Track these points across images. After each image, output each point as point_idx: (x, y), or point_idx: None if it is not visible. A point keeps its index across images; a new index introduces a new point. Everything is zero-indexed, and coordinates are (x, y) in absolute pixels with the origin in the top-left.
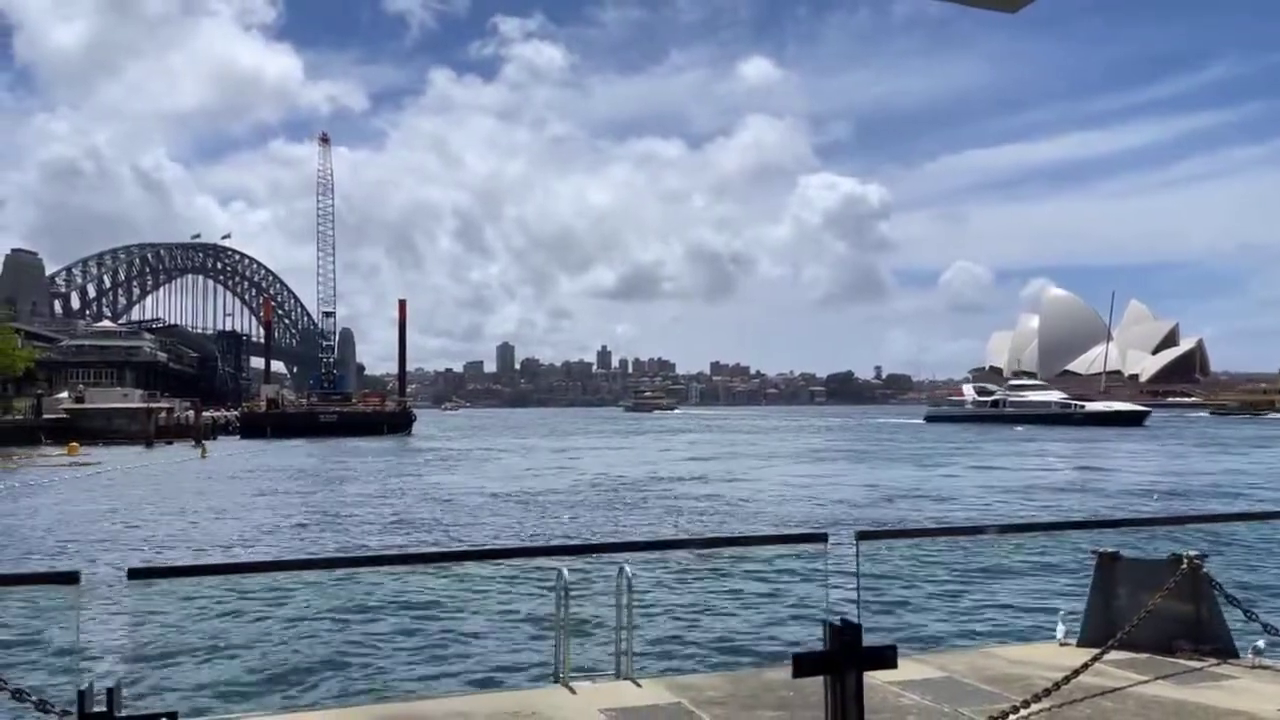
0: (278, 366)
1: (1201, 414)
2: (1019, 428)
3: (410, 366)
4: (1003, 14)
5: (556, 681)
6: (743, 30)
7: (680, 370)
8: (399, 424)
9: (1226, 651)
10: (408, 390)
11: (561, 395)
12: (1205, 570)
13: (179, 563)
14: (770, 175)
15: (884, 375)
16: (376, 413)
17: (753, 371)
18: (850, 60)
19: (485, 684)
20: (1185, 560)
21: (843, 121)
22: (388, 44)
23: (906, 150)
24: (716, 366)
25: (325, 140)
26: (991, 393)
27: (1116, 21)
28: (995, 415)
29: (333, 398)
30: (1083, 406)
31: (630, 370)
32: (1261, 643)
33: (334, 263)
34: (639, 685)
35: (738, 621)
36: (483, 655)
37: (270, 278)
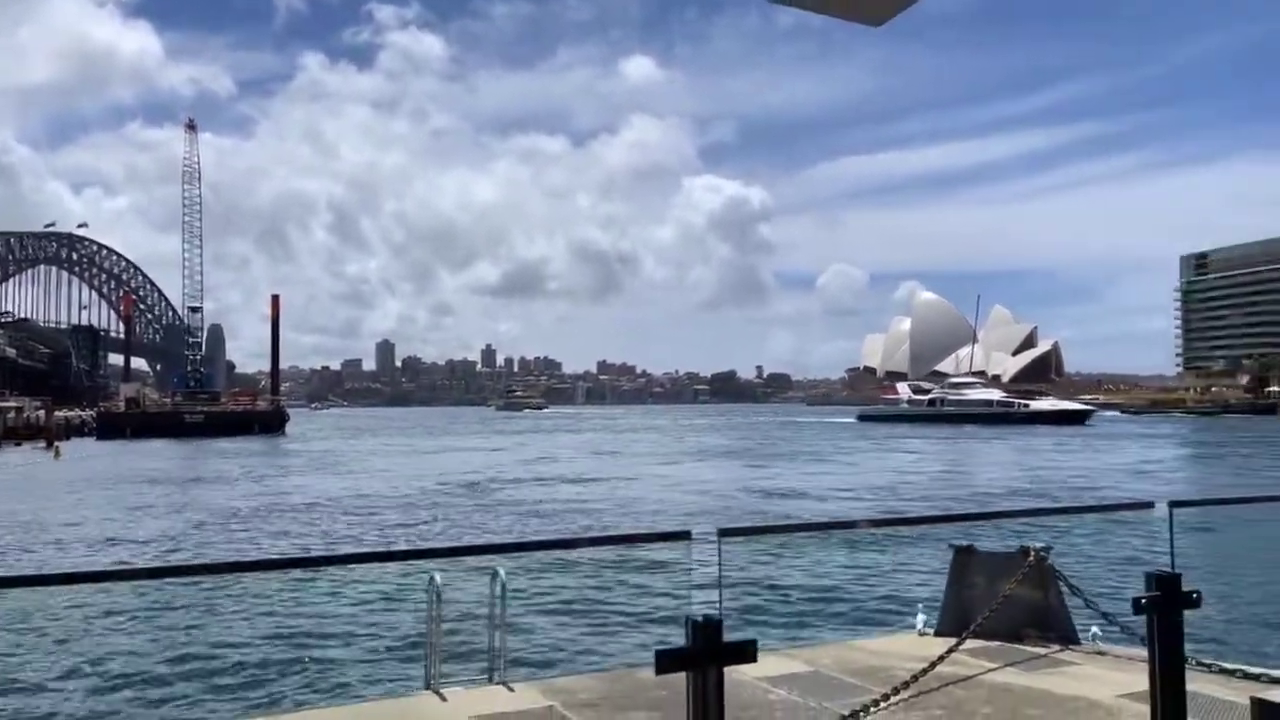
0: (139, 363)
1: (1110, 413)
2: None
3: (284, 364)
4: (888, 25)
5: (427, 688)
6: (631, 29)
7: (567, 369)
8: (271, 424)
9: (1069, 639)
10: (282, 389)
11: (445, 394)
12: (1050, 562)
13: (19, 573)
14: (655, 175)
15: (765, 375)
16: (247, 412)
17: (639, 371)
18: (736, 64)
19: (353, 694)
20: (1032, 552)
21: (726, 124)
22: (254, 27)
23: (787, 155)
24: (603, 365)
25: (192, 126)
26: (927, 391)
27: (987, 39)
28: (933, 414)
29: (200, 396)
30: (1026, 405)
31: (516, 369)
32: (1098, 629)
33: (201, 255)
34: (511, 689)
35: (612, 620)
36: (351, 664)
37: (131, 270)
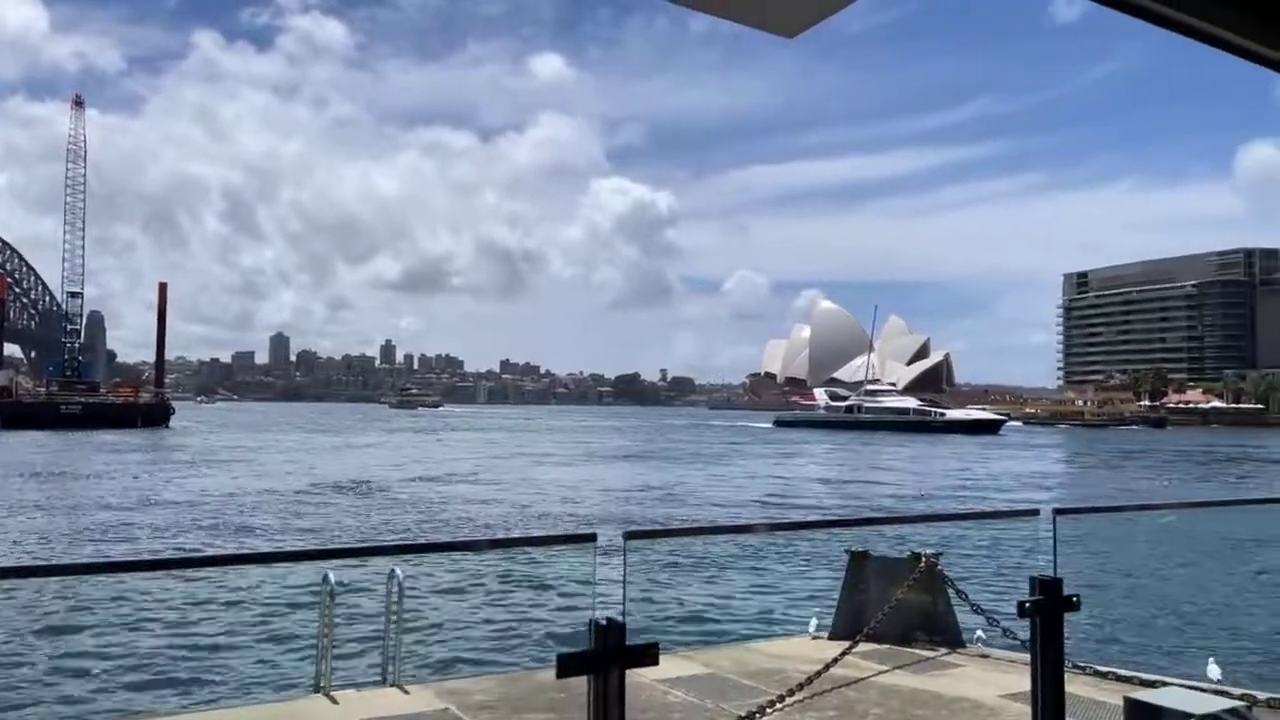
0: (13, 350)
1: (1013, 423)
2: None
3: (171, 355)
4: (799, 38)
5: (318, 690)
6: (543, 28)
7: (469, 367)
8: (155, 417)
9: (955, 641)
10: (167, 380)
11: (341, 390)
12: (940, 567)
13: None
14: (563, 175)
15: (669, 378)
16: (129, 404)
17: (543, 371)
18: (647, 68)
19: (241, 697)
20: (923, 558)
21: (635, 127)
22: (144, 2)
23: (696, 160)
24: (506, 365)
25: (79, 103)
26: (844, 398)
27: (894, 58)
28: (850, 421)
29: (77, 387)
30: (942, 414)
31: (416, 366)
32: (983, 633)
33: (83, 238)
34: (406, 692)
35: (512, 622)
36: (239, 667)
37: (6, 251)
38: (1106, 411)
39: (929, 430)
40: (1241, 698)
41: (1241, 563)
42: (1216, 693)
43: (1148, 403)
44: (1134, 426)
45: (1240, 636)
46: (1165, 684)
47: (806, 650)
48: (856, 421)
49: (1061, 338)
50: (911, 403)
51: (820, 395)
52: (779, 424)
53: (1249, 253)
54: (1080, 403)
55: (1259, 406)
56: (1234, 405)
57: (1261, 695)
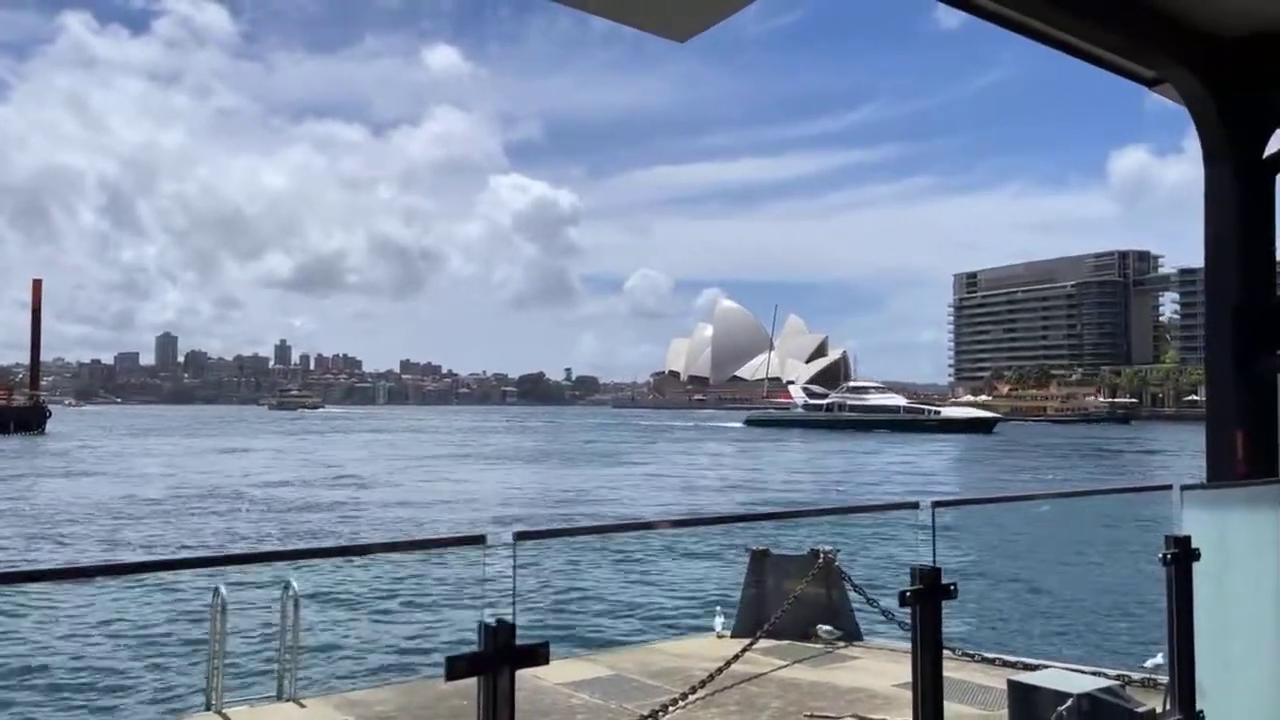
0: None
1: None
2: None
3: (46, 355)
4: (697, 42)
5: (209, 709)
6: (444, 22)
7: (368, 368)
8: (29, 421)
9: (852, 634)
10: (45, 383)
11: (233, 391)
12: (837, 563)
13: None
14: (460, 171)
15: (574, 377)
16: (0, 408)
17: (444, 371)
18: (548, 65)
19: (127, 717)
20: (821, 554)
21: (535, 123)
22: None
23: (597, 159)
24: (407, 365)
25: None
26: (824, 395)
27: (789, 60)
28: (831, 421)
29: None
30: (937, 412)
31: (312, 366)
32: (872, 625)
33: None
34: (303, 705)
35: (411, 631)
36: (125, 685)
37: None
38: (1071, 407)
39: (923, 430)
40: (1117, 678)
41: (1115, 547)
42: (1094, 673)
43: (1111, 399)
44: (1100, 423)
45: (1117, 618)
46: (1046, 667)
47: (710, 649)
48: (840, 421)
49: (952, 336)
50: (900, 400)
51: (796, 393)
52: (750, 423)
53: (1123, 255)
54: (1045, 400)
55: (1133, 401)
56: (1110, 400)
57: (1136, 675)
